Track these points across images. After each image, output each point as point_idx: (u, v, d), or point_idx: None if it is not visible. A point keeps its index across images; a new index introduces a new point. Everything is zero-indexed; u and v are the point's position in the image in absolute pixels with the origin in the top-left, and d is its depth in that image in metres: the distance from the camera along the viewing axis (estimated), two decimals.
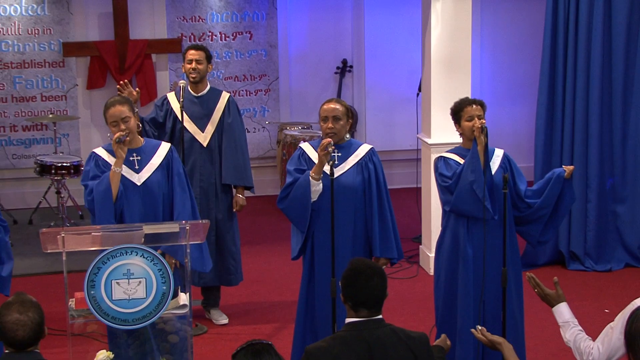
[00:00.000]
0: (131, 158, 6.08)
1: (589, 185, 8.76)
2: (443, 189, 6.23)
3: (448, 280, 6.28)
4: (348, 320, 4.43)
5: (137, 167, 6.11)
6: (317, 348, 4.35)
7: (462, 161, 6.16)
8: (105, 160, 6.10)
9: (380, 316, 4.43)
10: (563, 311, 4.74)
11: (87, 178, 6.10)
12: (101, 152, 6.18)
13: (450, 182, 6.13)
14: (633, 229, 8.88)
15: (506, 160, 6.28)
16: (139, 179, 6.11)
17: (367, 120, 11.66)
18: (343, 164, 6.13)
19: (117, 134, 5.88)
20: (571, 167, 6.19)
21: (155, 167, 6.15)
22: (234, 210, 7.59)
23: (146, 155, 6.17)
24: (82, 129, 11.09)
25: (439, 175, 6.24)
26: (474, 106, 6.16)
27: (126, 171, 6.05)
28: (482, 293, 6.11)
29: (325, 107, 6.15)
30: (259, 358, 3.70)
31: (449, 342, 4.73)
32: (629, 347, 3.86)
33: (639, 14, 8.65)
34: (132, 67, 10.83)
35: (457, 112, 6.23)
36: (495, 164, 6.21)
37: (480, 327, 4.67)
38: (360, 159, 6.21)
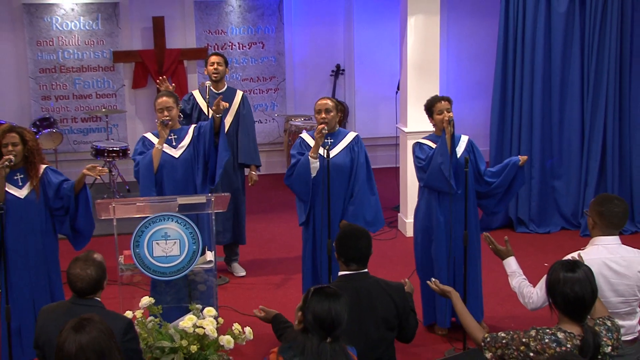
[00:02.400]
0: (170, 137, 6.26)
1: (532, 165, 8.78)
2: (418, 169, 6.27)
3: (424, 240, 6.35)
4: (341, 273, 4.45)
5: (174, 144, 6.26)
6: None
7: (434, 146, 6.19)
8: (151, 141, 6.32)
9: (366, 270, 4.46)
10: (511, 263, 4.75)
11: (135, 154, 6.35)
12: (149, 135, 6.41)
13: (424, 163, 6.16)
14: (567, 200, 8.89)
15: (470, 145, 6.28)
16: (176, 153, 6.25)
17: (356, 113, 11.65)
18: (335, 148, 6.13)
19: (162, 118, 6.11)
20: (525, 157, 6.21)
21: (187, 144, 6.28)
22: (249, 184, 7.63)
23: (181, 136, 6.31)
24: (128, 120, 11.08)
25: (415, 157, 6.27)
26: (443, 102, 6.17)
27: (167, 148, 6.23)
28: (451, 251, 6.15)
29: (319, 102, 6.18)
30: (338, 299, 3.70)
31: (412, 287, 4.74)
32: (548, 292, 3.88)
33: (572, 29, 8.63)
34: (168, 71, 10.80)
35: (430, 107, 6.24)
36: (461, 148, 6.22)
37: (433, 279, 4.67)
38: (348, 144, 6.21)
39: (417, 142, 6.34)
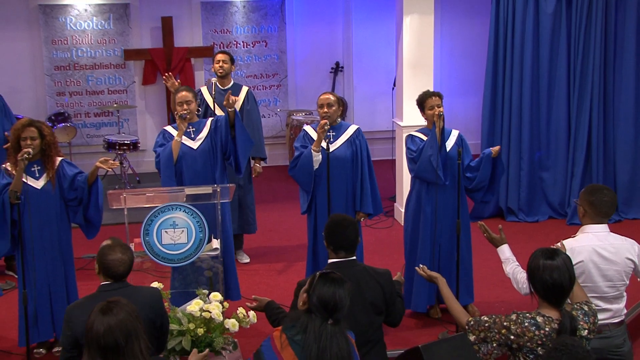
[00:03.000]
0: (189, 130, 6.26)
1: (521, 157, 8.79)
2: (409, 160, 6.26)
3: (414, 229, 6.35)
4: (330, 260, 4.44)
5: (192, 136, 6.27)
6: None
7: (425, 138, 6.17)
8: (171, 134, 6.32)
9: (354, 257, 4.44)
10: (505, 250, 4.74)
11: (156, 146, 6.34)
12: (169, 128, 6.42)
13: (415, 154, 6.15)
14: (555, 191, 8.89)
15: (460, 139, 6.26)
16: (194, 144, 6.26)
17: (354, 108, 11.62)
18: (336, 141, 6.12)
19: (181, 112, 6.10)
20: (497, 148, 6.18)
21: (205, 136, 6.28)
22: (253, 176, 7.59)
23: (199, 129, 6.31)
24: (138, 115, 11.04)
25: (407, 149, 6.27)
26: (434, 97, 6.15)
27: (185, 140, 6.23)
28: (435, 238, 6.14)
29: (321, 97, 6.18)
30: (341, 284, 3.68)
31: (403, 279, 4.72)
32: (529, 279, 3.89)
33: (559, 28, 8.62)
34: (176, 68, 10.76)
35: (422, 102, 6.22)
36: (451, 141, 6.21)
37: (421, 265, 4.66)
38: (349, 137, 6.20)
39: (410, 135, 6.33)
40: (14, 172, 5.47)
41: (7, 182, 5.47)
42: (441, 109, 6.06)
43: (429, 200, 6.17)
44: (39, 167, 5.60)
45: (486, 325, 3.87)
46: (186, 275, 6.10)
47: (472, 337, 3.92)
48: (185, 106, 6.15)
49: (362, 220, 6.30)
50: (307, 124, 6.61)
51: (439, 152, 5.98)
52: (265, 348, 3.67)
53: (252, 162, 7.60)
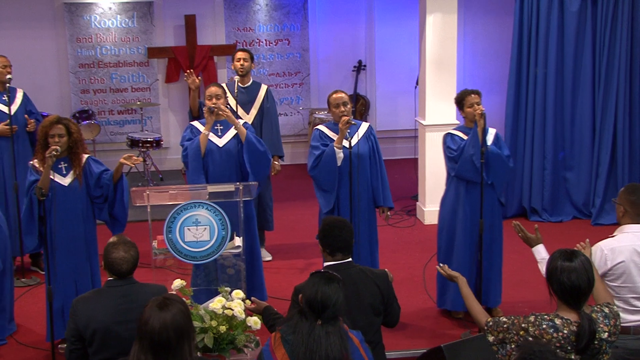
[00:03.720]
0: (216, 127, 6.31)
1: (545, 157, 8.74)
2: (449, 159, 6.22)
3: (450, 227, 6.29)
4: (326, 264, 4.42)
5: (219, 134, 6.31)
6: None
7: (465, 137, 6.14)
8: (198, 129, 6.38)
9: (350, 259, 4.42)
10: (540, 250, 4.70)
11: (183, 140, 6.40)
12: (196, 123, 6.48)
13: (455, 153, 6.12)
14: (579, 190, 8.83)
15: (496, 137, 6.24)
16: (220, 142, 6.29)
17: (377, 106, 11.60)
18: (354, 137, 6.11)
19: (209, 105, 6.18)
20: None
21: (232, 135, 6.31)
22: (272, 174, 7.62)
23: (227, 127, 6.35)
24: (161, 113, 11.10)
25: (447, 148, 6.22)
26: (473, 95, 6.14)
27: (212, 136, 6.27)
28: (475, 239, 6.10)
29: (335, 96, 6.17)
30: (329, 283, 3.65)
31: (392, 276, 4.67)
32: (547, 280, 3.85)
33: (584, 26, 8.56)
34: (199, 66, 10.80)
35: (460, 100, 6.21)
36: (489, 140, 6.18)
37: (442, 264, 4.64)
38: (364, 133, 6.21)
39: (449, 133, 6.29)
40: (41, 169, 5.52)
41: (35, 179, 5.52)
42: (482, 108, 6.04)
43: (469, 199, 6.13)
44: (66, 164, 5.64)
45: (505, 326, 3.85)
46: (208, 272, 6.13)
47: (490, 338, 3.91)
48: (214, 100, 6.21)
49: (389, 215, 6.31)
50: (315, 126, 6.62)
51: (481, 151, 5.96)
52: (265, 348, 3.70)
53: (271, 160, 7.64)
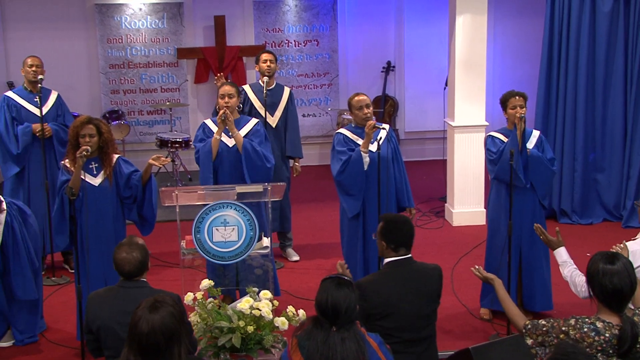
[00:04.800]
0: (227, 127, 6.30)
1: (576, 159, 8.68)
2: (489, 161, 6.21)
3: (492, 228, 6.29)
4: (388, 259, 4.45)
5: (230, 134, 6.32)
6: (367, 281, 4.38)
7: (505, 139, 6.12)
8: (210, 129, 6.41)
9: (410, 255, 4.46)
10: (562, 253, 4.68)
11: (196, 140, 6.45)
12: (209, 122, 6.49)
13: (495, 156, 6.10)
14: (609, 192, 8.75)
15: (540, 140, 6.20)
16: (230, 142, 6.32)
17: (405, 107, 11.58)
18: (379, 141, 6.10)
19: (221, 112, 6.18)
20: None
21: (243, 135, 6.32)
22: (294, 175, 7.67)
23: (238, 127, 6.37)
24: (190, 113, 11.16)
25: (487, 150, 6.21)
26: (517, 97, 6.11)
27: (223, 137, 6.30)
28: (516, 242, 6.05)
29: (357, 98, 6.17)
30: (339, 288, 3.63)
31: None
32: (588, 282, 3.82)
33: (617, 27, 8.48)
34: (228, 67, 10.85)
35: (504, 101, 6.18)
36: (532, 143, 6.15)
37: (477, 266, 4.64)
38: (386, 135, 6.19)
39: (490, 135, 6.27)
40: (72, 168, 5.57)
41: (66, 179, 5.58)
42: (523, 111, 6.01)
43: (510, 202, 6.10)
44: (96, 165, 5.69)
45: (544, 329, 3.82)
46: (236, 273, 6.15)
47: (529, 341, 3.88)
48: (226, 99, 6.25)
49: (414, 214, 6.33)
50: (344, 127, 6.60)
51: (520, 154, 5.93)
52: (283, 354, 3.74)
53: (292, 161, 7.65)
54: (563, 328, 3.74)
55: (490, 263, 6.26)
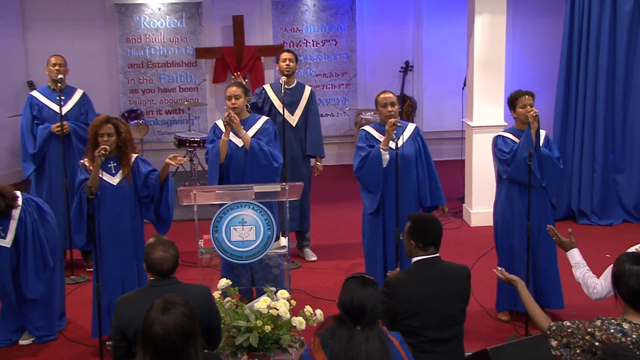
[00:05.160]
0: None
1: (595, 159, 8.62)
2: (501, 162, 6.16)
3: (504, 231, 6.25)
4: (417, 258, 4.45)
5: (240, 135, 6.33)
6: (397, 279, 4.39)
7: (516, 139, 6.08)
8: (220, 130, 6.42)
9: (438, 254, 4.46)
10: (575, 255, 4.66)
11: (208, 141, 6.50)
12: (219, 123, 6.50)
13: (508, 156, 6.06)
14: (629, 193, 8.69)
15: (546, 139, 6.18)
16: (240, 142, 6.34)
17: (423, 107, 11.55)
18: (400, 138, 6.09)
19: (225, 115, 6.22)
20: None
21: (252, 135, 6.34)
22: (315, 175, 7.65)
23: (247, 126, 6.39)
24: (209, 112, 11.19)
25: (498, 150, 6.16)
26: (527, 96, 6.09)
27: (233, 137, 6.33)
28: (529, 242, 6.03)
29: (383, 96, 6.13)
30: (364, 287, 3.64)
31: None
32: (614, 284, 3.80)
33: (637, 26, 8.43)
34: (247, 67, 10.87)
35: (513, 100, 6.15)
36: (540, 142, 6.11)
37: (500, 268, 4.62)
38: (411, 134, 6.18)
39: (500, 136, 6.22)
40: (91, 167, 5.60)
41: (85, 178, 5.61)
42: (536, 110, 5.98)
43: (524, 202, 6.06)
44: (115, 164, 5.72)
45: (569, 330, 3.79)
46: (254, 272, 6.16)
47: (554, 343, 3.85)
48: (233, 100, 6.29)
49: (447, 211, 6.33)
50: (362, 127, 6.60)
51: (535, 153, 5.91)
52: (305, 353, 3.71)
53: (313, 160, 7.65)
54: (589, 329, 3.72)
55: (503, 264, 6.23)
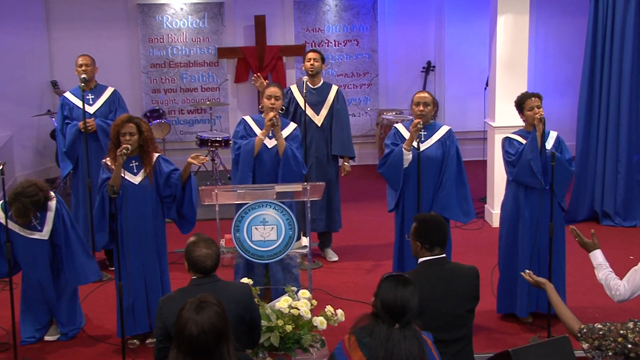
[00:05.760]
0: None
1: (619, 160, 8.56)
2: (507, 163, 6.15)
3: (509, 232, 6.23)
4: (423, 259, 4.44)
5: (270, 135, 6.35)
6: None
7: (523, 141, 6.08)
8: (250, 126, 6.42)
9: (444, 255, 4.47)
10: (597, 256, 4.63)
11: (236, 137, 6.46)
12: (248, 119, 6.50)
13: (513, 158, 6.05)
14: None
15: (557, 141, 6.14)
16: (270, 143, 6.35)
17: (445, 107, 11.51)
18: (428, 140, 6.08)
19: (271, 115, 6.17)
20: None
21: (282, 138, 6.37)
22: (342, 175, 7.63)
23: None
24: (230, 112, 11.22)
25: (505, 152, 6.16)
26: (534, 99, 6.06)
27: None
28: (535, 242, 6.01)
29: (418, 95, 6.14)
30: (406, 286, 3.64)
31: None
32: None
33: None
34: (268, 67, 10.89)
35: (520, 103, 6.13)
36: (549, 143, 6.10)
37: (528, 271, 4.60)
38: (440, 137, 6.15)
39: (507, 137, 6.22)
40: (113, 167, 5.63)
41: (107, 177, 5.65)
42: (542, 112, 5.96)
43: (528, 204, 6.05)
44: (137, 163, 5.75)
45: (600, 333, 3.77)
46: (275, 272, 6.17)
47: (585, 345, 3.83)
48: (273, 100, 6.27)
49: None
50: (398, 122, 6.59)
51: (540, 156, 5.88)
52: (337, 351, 3.70)
53: (341, 160, 7.63)
54: (621, 331, 3.70)
55: (505, 266, 6.21)
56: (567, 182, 6.15)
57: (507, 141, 6.18)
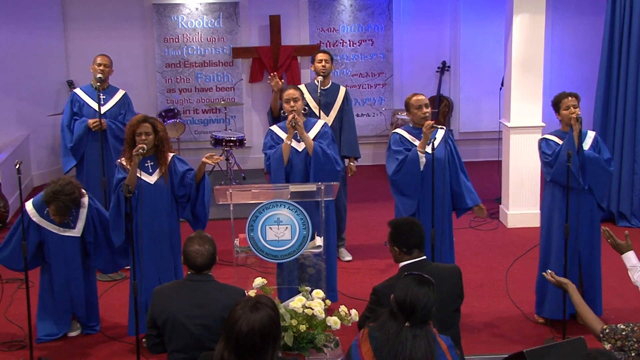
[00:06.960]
0: (295, 131, 6.35)
1: (635, 160, 8.51)
2: (545, 164, 6.13)
3: (548, 233, 6.19)
4: (403, 263, 4.43)
5: (298, 138, 6.37)
6: (384, 286, 4.37)
7: (560, 142, 6.04)
8: (277, 135, 6.43)
9: (424, 257, 4.46)
10: (631, 257, 4.59)
11: (266, 148, 6.47)
12: (275, 128, 6.51)
13: (551, 158, 6.02)
14: None
15: (595, 141, 6.10)
16: (300, 146, 6.37)
17: (460, 108, 11.48)
18: (433, 142, 6.07)
19: (290, 117, 6.19)
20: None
21: (312, 138, 6.37)
22: (349, 175, 7.65)
23: (306, 130, 6.41)
24: (245, 112, 11.24)
25: (542, 153, 6.13)
26: (570, 98, 6.04)
27: (292, 142, 6.34)
28: (577, 246, 5.96)
29: (416, 98, 6.14)
30: (421, 286, 3.64)
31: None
32: None
33: None
34: (283, 67, 10.90)
35: (557, 102, 6.10)
36: (587, 144, 6.06)
37: (549, 271, 4.58)
38: (442, 137, 6.15)
39: (544, 138, 6.19)
40: (128, 167, 5.66)
41: (123, 177, 5.68)
42: (578, 111, 5.93)
43: (561, 205, 6.00)
44: (152, 163, 5.77)
45: (623, 334, 3.75)
46: (290, 271, 6.18)
47: (607, 346, 3.81)
48: (292, 102, 6.27)
49: (484, 209, 6.30)
50: (398, 127, 6.58)
51: (578, 156, 5.85)
52: (353, 343, 3.74)
53: (347, 161, 7.64)
54: None
55: (546, 267, 6.18)
56: (606, 182, 6.11)
57: (543, 142, 6.14)
